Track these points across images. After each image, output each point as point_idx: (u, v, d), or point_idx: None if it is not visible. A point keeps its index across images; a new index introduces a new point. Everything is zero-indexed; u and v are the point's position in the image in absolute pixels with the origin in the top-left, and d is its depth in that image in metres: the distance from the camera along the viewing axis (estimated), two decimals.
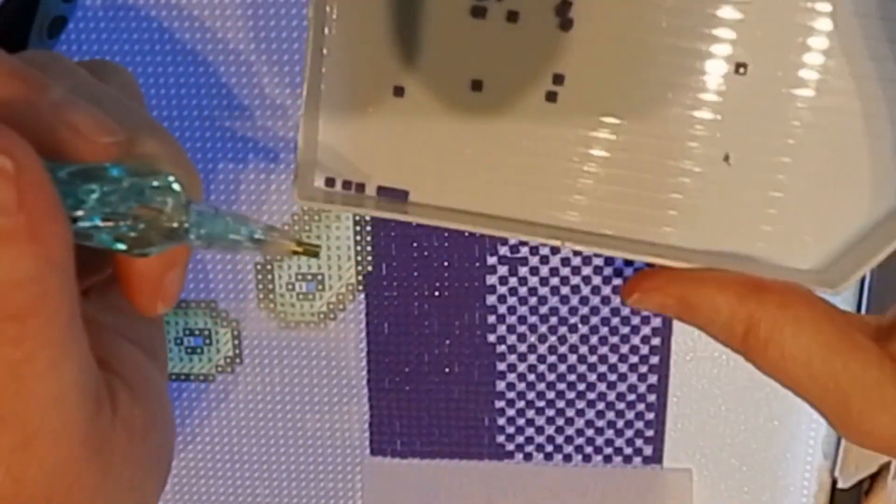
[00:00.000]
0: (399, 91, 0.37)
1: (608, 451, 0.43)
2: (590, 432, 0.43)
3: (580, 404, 0.42)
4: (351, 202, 0.36)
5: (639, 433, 0.42)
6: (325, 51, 0.37)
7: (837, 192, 0.34)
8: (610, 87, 0.35)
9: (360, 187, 0.38)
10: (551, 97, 0.36)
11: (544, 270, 0.41)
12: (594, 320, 0.41)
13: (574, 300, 0.41)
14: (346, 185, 0.38)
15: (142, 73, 0.40)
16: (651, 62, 0.34)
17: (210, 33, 0.40)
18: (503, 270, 0.41)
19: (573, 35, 0.35)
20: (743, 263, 0.34)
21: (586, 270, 0.41)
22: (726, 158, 0.35)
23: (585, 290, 0.41)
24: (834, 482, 0.42)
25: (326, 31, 0.37)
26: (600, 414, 0.42)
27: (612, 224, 0.35)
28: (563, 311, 0.41)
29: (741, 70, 0.34)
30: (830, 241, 0.35)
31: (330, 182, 0.38)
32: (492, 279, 0.41)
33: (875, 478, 0.42)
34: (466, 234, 0.40)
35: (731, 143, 0.35)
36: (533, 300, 0.41)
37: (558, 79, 0.36)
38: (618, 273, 0.41)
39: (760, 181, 0.35)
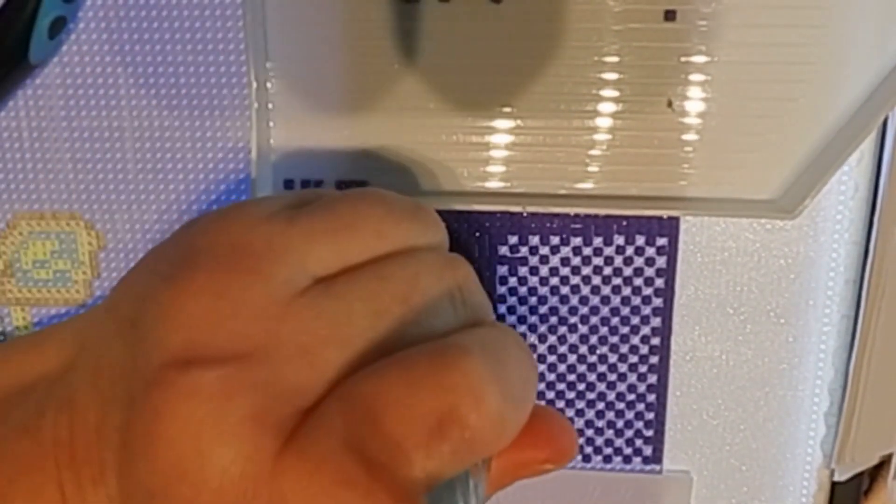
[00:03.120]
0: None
1: (608, 451, 0.43)
2: (589, 432, 0.43)
3: (580, 404, 0.42)
4: None
5: (638, 433, 0.42)
6: (267, 55, 0.38)
7: (778, 124, 0.37)
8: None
9: (319, 184, 0.39)
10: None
11: (544, 270, 0.41)
12: (594, 320, 0.41)
13: (574, 300, 0.41)
14: (305, 184, 0.39)
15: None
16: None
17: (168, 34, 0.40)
18: (502, 270, 0.41)
19: (503, 8, 0.37)
20: (711, 204, 0.38)
21: (586, 270, 0.41)
22: (669, 104, 0.37)
23: (585, 290, 0.41)
24: (833, 480, 0.42)
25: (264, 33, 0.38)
26: (600, 414, 0.42)
27: (532, 184, 0.39)
28: (563, 310, 0.41)
29: (670, 17, 0.37)
30: (781, 170, 0.38)
31: (288, 183, 0.39)
32: (491, 279, 0.41)
33: (875, 477, 0.42)
34: (466, 233, 0.40)
35: (670, 89, 0.37)
36: (532, 300, 0.41)
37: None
38: (618, 272, 0.41)
39: (706, 122, 0.37)
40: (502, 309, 0.41)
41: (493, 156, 0.38)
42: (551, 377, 0.42)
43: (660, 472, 0.43)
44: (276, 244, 0.25)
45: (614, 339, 0.41)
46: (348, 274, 0.25)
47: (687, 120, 0.37)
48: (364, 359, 0.24)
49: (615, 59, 0.37)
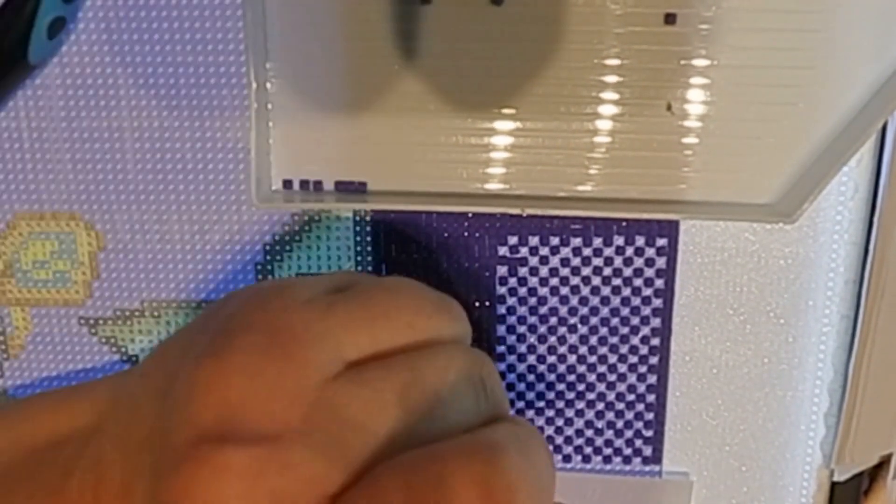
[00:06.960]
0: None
1: (608, 451, 0.43)
2: (589, 433, 0.43)
3: (579, 405, 0.42)
4: (310, 199, 0.39)
5: (638, 433, 0.42)
6: (266, 55, 0.38)
7: (777, 128, 0.37)
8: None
9: (318, 185, 0.39)
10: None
11: (543, 271, 0.41)
12: (593, 321, 0.41)
13: (573, 301, 0.41)
14: (304, 184, 0.39)
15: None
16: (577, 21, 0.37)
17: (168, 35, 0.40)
18: (502, 271, 0.41)
19: (503, 10, 0.37)
20: (710, 208, 0.38)
21: (586, 271, 0.41)
22: (669, 108, 0.37)
23: (585, 291, 0.41)
24: (833, 480, 0.42)
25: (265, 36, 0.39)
26: (600, 414, 0.42)
27: (530, 186, 0.39)
28: (563, 311, 0.41)
29: (670, 20, 0.37)
30: (780, 174, 0.38)
31: (287, 183, 0.39)
32: (491, 280, 0.41)
33: (874, 477, 0.42)
34: (465, 234, 0.40)
35: (670, 92, 0.37)
36: (532, 300, 0.41)
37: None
38: (617, 273, 0.41)
39: (705, 126, 0.38)
40: (502, 309, 0.41)
41: (493, 157, 0.38)
42: (551, 377, 0.42)
43: (659, 472, 0.43)
44: (313, 329, 0.25)
45: (614, 340, 0.41)
46: (379, 361, 0.26)
47: (686, 123, 0.37)
48: (391, 448, 0.24)
49: (615, 61, 0.37)
